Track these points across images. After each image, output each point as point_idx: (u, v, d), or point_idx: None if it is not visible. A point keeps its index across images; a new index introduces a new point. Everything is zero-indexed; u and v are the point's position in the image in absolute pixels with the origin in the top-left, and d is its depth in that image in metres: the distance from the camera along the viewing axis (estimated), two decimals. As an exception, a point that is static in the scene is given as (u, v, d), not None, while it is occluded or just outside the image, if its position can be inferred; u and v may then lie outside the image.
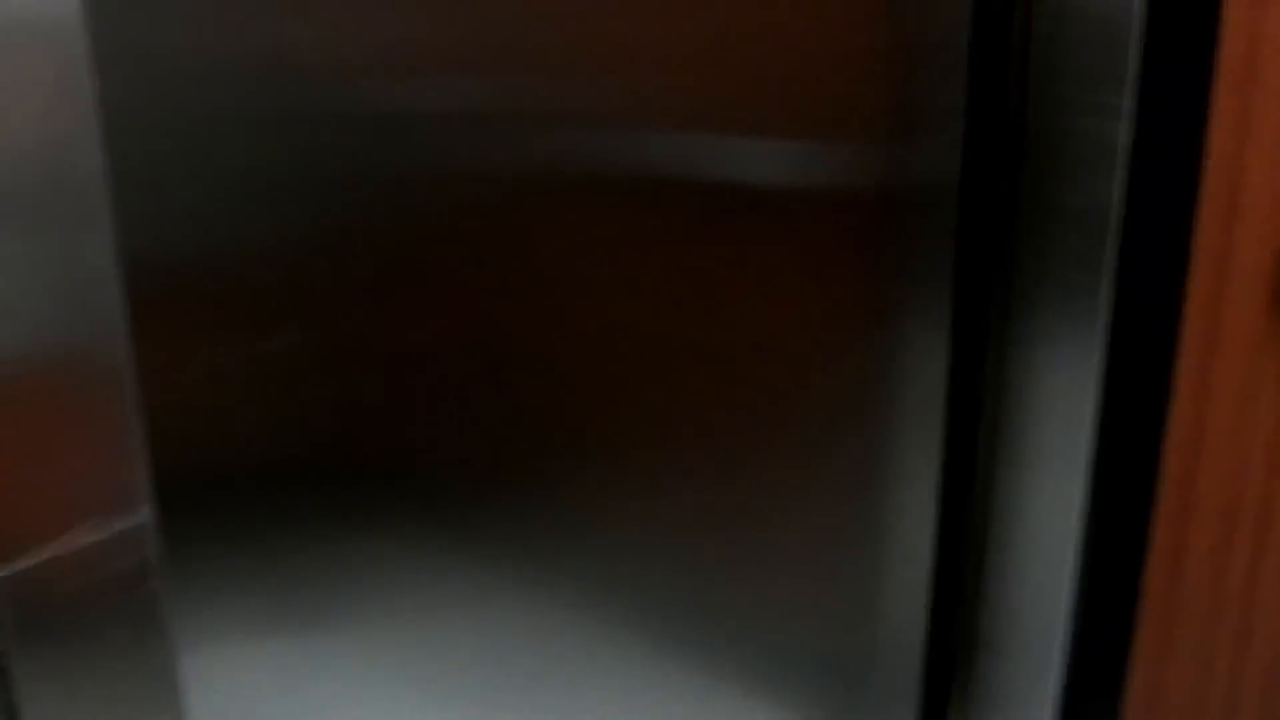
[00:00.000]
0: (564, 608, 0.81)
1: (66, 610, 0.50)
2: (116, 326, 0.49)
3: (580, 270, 0.75)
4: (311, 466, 0.67)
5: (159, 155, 0.57)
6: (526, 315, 0.74)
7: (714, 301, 0.82)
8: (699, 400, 0.84)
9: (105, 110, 0.51)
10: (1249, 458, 1.00)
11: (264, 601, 0.66)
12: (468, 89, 0.67)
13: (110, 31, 0.54)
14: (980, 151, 0.91)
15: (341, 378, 0.67)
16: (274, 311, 0.63)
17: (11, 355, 0.48)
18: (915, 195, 0.89)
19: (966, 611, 1.05)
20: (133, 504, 0.51)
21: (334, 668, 0.71)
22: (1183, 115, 0.89)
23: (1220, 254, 0.92)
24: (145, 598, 0.51)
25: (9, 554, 0.48)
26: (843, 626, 0.98)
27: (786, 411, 0.89)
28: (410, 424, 0.70)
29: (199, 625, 0.63)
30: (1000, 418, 0.97)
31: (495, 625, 0.78)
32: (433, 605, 0.74)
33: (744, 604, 0.91)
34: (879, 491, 0.96)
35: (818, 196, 0.84)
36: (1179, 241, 0.93)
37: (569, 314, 0.76)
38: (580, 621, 0.82)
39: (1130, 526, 1.00)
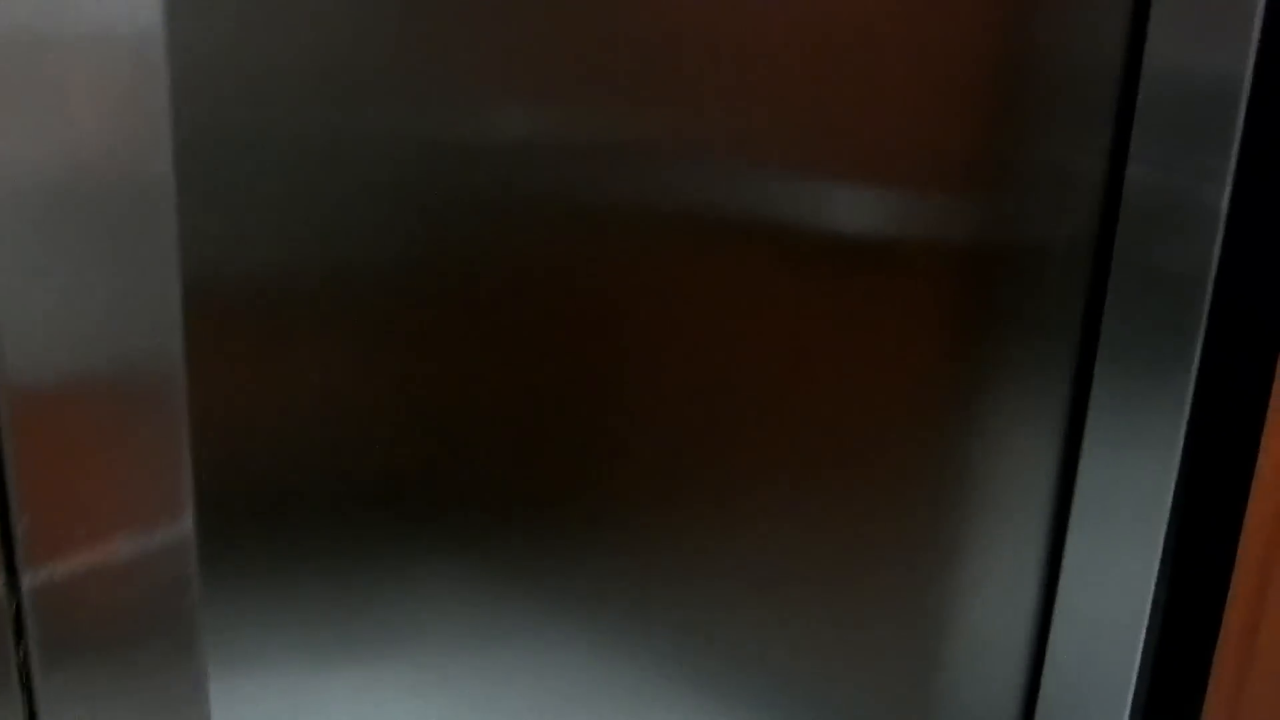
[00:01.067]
0: (615, 653, 0.79)
1: (99, 620, 0.49)
2: (172, 335, 0.48)
3: (670, 310, 0.74)
4: (350, 494, 0.65)
5: (231, 168, 0.56)
6: (605, 351, 0.72)
7: (809, 348, 0.80)
8: (788, 449, 0.82)
9: (178, 120, 0.50)
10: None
11: (292, 628, 0.65)
12: (564, 117, 0.66)
13: (189, 42, 0.53)
14: (1076, 209, 0.89)
15: (391, 405, 0.65)
16: (327, 336, 0.62)
17: (67, 356, 0.46)
18: (1024, 251, 0.87)
19: (1033, 679, 1.02)
20: (175, 515, 0.49)
21: (358, 698, 0.69)
22: (1287, 182, 0.87)
23: (1317, 328, 0.89)
24: (181, 613, 0.50)
25: (42, 558, 0.47)
26: (923, 688, 0.96)
27: (881, 467, 0.87)
28: (462, 456, 0.69)
29: (227, 649, 0.61)
30: (1078, 481, 0.95)
31: (546, 667, 0.76)
32: (469, 640, 0.73)
33: (817, 658, 0.89)
34: (972, 552, 0.93)
35: (920, 248, 0.82)
36: (1273, 311, 0.90)
37: (653, 353, 0.74)
38: (631, 669, 0.80)
39: (1204, 607, 0.97)
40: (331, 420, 0.63)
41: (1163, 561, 0.95)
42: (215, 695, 0.55)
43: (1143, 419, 0.91)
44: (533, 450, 0.72)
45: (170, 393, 0.48)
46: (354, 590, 0.66)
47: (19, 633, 0.48)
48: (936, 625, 0.95)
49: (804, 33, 0.73)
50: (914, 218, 0.82)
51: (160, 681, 0.50)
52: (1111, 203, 0.89)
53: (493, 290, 0.67)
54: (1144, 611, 0.96)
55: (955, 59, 0.80)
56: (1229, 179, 0.85)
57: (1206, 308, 0.88)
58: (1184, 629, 0.99)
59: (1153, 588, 0.95)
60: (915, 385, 0.87)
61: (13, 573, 0.47)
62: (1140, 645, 0.97)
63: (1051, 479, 0.96)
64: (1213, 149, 0.85)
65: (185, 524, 0.49)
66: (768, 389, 0.80)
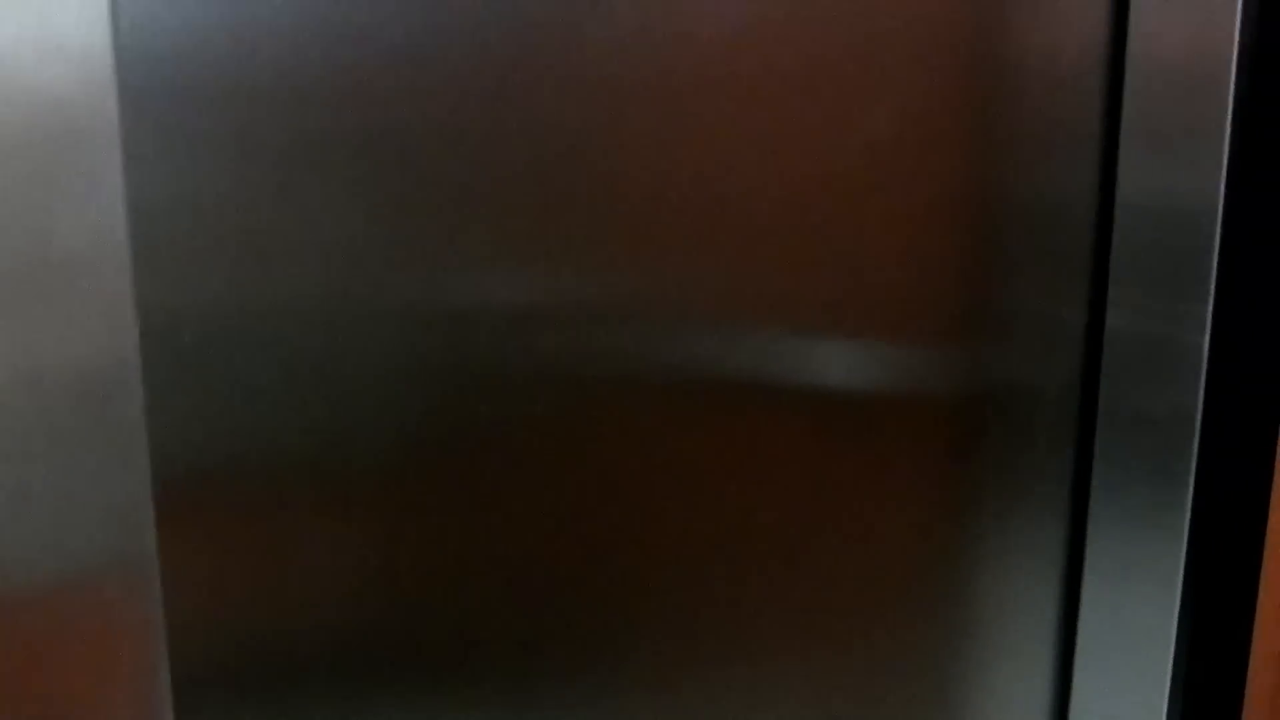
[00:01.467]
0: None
1: None
2: (148, 549, 0.48)
3: (655, 472, 0.73)
4: (343, 684, 0.65)
5: (210, 352, 0.56)
6: (605, 517, 0.72)
7: (805, 504, 0.80)
8: (790, 604, 0.82)
9: (154, 301, 0.51)
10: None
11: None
12: (541, 283, 0.66)
13: (165, 218, 0.53)
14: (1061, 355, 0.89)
15: (386, 588, 0.65)
16: (319, 519, 0.61)
17: (40, 575, 0.46)
18: (1012, 400, 0.87)
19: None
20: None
21: None
22: (1264, 320, 0.87)
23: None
24: None
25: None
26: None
27: (883, 619, 0.86)
28: (463, 634, 0.68)
29: None
30: (1079, 626, 0.94)
31: None
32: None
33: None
34: (978, 700, 0.92)
35: (910, 401, 0.83)
36: (1261, 450, 0.90)
37: (654, 515, 0.74)
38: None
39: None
40: (324, 608, 0.63)
41: (1170, 699, 0.94)
42: None
43: (1140, 561, 0.91)
44: (535, 622, 0.71)
45: (147, 607, 0.48)
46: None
47: None
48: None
49: (789, 198, 0.74)
50: (902, 371, 0.82)
51: None
52: (1095, 349, 0.89)
53: (487, 461, 0.67)
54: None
55: (934, 215, 0.81)
56: (1208, 319, 0.85)
57: (1195, 448, 0.88)
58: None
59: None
60: (913, 536, 0.87)
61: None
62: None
63: (1053, 625, 0.95)
64: (1190, 290, 0.85)
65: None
66: (766, 546, 0.80)
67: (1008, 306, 0.86)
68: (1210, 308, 0.85)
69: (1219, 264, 0.84)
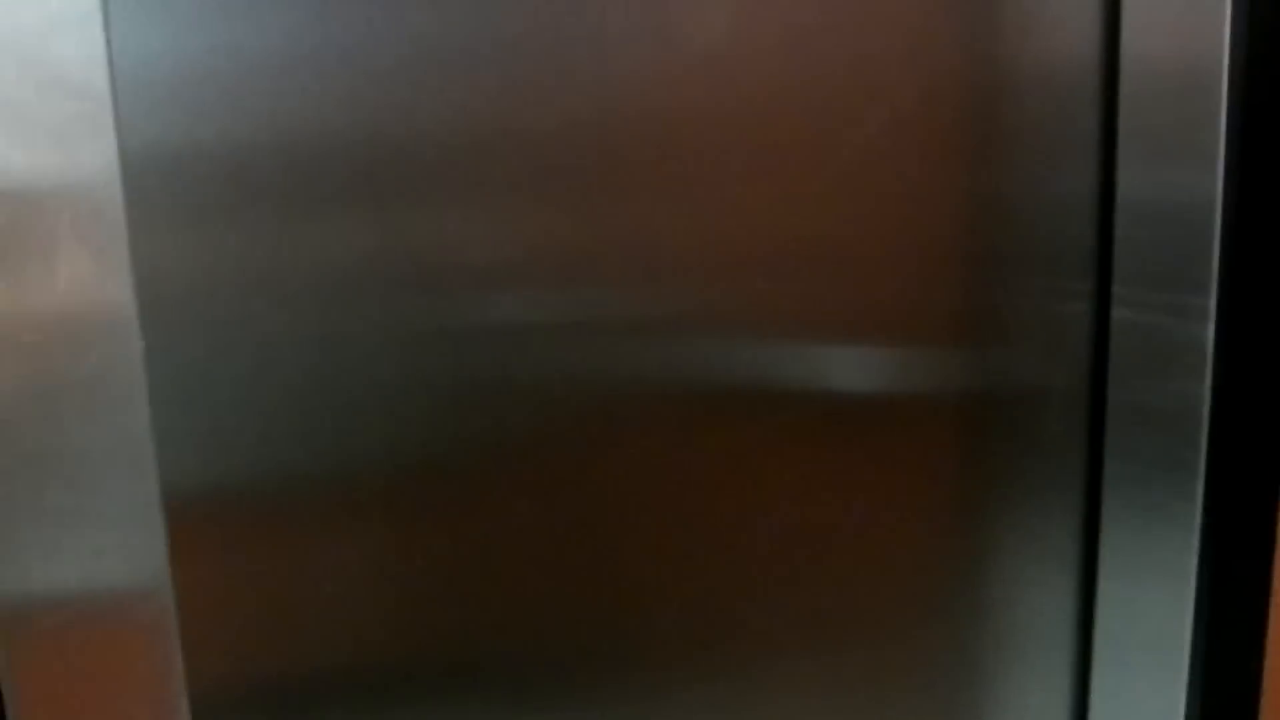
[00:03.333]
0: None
1: None
2: (161, 571, 0.48)
3: (661, 482, 0.74)
4: (352, 692, 0.65)
5: (217, 370, 0.57)
6: (617, 531, 0.72)
7: (818, 511, 0.80)
8: (802, 615, 0.82)
9: (151, 336, 0.51)
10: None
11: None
12: (541, 299, 0.67)
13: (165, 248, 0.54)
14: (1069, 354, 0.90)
15: (398, 607, 0.65)
16: (328, 539, 0.62)
17: (54, 588, 0.47)
18: (1022, 400, 0.88)
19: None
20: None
21: None
22: (1267, 309, 0.88)
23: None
24: None
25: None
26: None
27: (896, 624, 0.86)
28: (473, 652, 0.69)
29: None
30: (1089, 630, 0.94)
31: None
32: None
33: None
34: (995, 705, 0.93)
35: (918, 405, 0.83)
36: (1271, 439, 0.90)
37: (664, 527, 0.74)
38: None
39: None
40: (335, 621, 0.63)
41: (1189, 692, 0.94)
42: None
43: (1154, 554, 0.91)
44: (543, 629, 0.72)
45: (163, 629, 0.48)
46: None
47: None
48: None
49: (789, 207, 0.75)
50: (910, 375, 0.83)
51: None
52: (1101, 346, 0.90)
53: (493, 474, 0.67)
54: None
55: (935, 220, 0.81)
56: (1212, 311, 0.86)
57: (1205, 439, 0.88)
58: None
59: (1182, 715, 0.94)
60: (925, 540, 0.87)
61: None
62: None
63: (1070, 623, 0.95)
64: (1192, 283, 0.86)
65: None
66: (775, 554, 0.80)
67: (1013, 307, 0.86)
68: (1214, 299, 0.86)
69: (1220, 256, 0.85)
